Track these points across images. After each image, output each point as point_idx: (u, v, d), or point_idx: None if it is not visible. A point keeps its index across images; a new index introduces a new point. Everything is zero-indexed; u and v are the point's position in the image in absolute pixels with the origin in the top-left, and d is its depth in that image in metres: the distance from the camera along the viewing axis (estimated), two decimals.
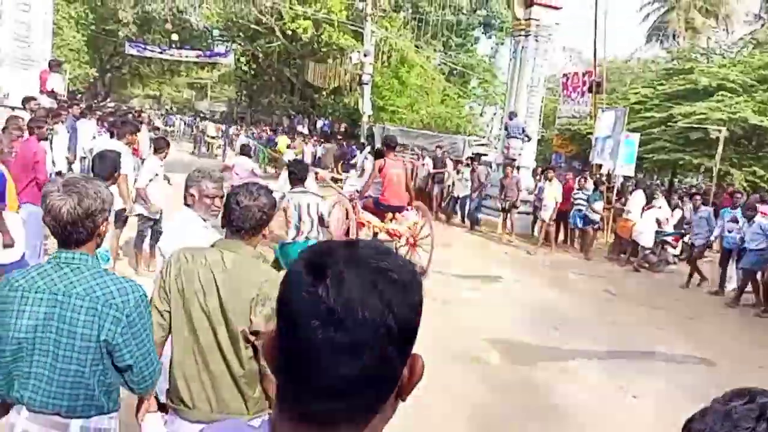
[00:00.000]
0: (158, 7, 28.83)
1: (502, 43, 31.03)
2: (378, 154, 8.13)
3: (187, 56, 31.20)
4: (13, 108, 9.10)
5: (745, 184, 15.10)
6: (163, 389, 2.30)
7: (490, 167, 15.83)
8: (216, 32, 31.79)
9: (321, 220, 5.37)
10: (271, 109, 32.36)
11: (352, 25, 23.59)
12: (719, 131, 14.21)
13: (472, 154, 14.94)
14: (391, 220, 7.86)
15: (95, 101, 25.83)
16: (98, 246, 2.00)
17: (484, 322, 6.62)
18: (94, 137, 10.08)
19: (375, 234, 7.85)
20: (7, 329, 1.89)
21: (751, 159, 15.92)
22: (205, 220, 2.96)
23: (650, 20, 31.84)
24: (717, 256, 10.48)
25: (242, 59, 34.01)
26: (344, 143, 20.91)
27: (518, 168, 13.54)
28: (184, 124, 36.08)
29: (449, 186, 14.59)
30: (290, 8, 23.79)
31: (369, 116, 21.89)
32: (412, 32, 25.28)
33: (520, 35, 14.67)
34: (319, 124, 28.16)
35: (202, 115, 39.60)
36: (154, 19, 31.80)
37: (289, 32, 25.01)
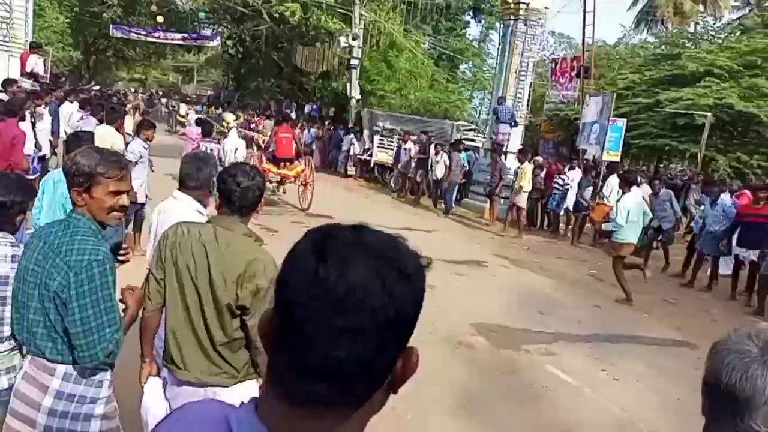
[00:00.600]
0: None
1: (492, 28, 30.88)
2: (276, 123, 12.33)
3: (172, 39, 30.76)
4: None
5: (729, 170, 15.26)
6: (160, 351, 2.47)
7: (478, 152, 15.81)
8: (202, 15, 31.23)
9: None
10: (259, 93, 32.02)
11: (340, 8, 23.32)
12: (705, 117, 14.31)
13: (454, 140, 14.87)
14: (283, 168, 11.12)
15: (79, 84, 25.42)
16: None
17: (470, 307, 6.67)
18: (81, 119, 9.95)
19: (280, 182, 11.31)
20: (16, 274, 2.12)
21: (736, 145, 16.06)
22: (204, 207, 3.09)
23: (639, 5, 31.81)
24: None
25: (229, 42, 33.53)
26: (332, 127, 20.79)
27: (506, 153, 13.55)
28: (166, 108, 35.74)
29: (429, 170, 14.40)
30: None
31: (357, 101, 21.76)
32: (401, 16, 25.03)
33: (509, 19, 14.62)
34: (307, 108, 27.92)
35: (188, 98, 39.19)
36: (139, 1, 31.26)
37: (277, 15, 24.66)
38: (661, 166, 21.57)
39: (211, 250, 2.23)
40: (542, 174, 12.47)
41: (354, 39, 20.94)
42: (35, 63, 11.07)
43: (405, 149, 15.23)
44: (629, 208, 7.56)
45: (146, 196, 6.77)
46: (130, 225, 6.72)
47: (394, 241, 0.72)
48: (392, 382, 0.73)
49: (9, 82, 8.62)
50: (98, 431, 2.06)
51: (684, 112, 15.28)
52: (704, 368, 1.03)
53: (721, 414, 0.97)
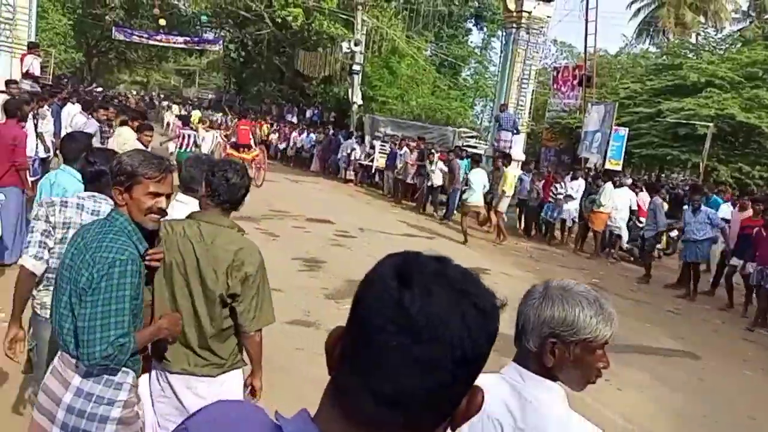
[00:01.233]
0: None
1: (494, 35, 30.98)
2: (238, 119, 17.42)
3: (175, 42, 30.85)
4: None
5: (731, 180, 15.27)
6: None
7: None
8: (204, 18, 31.37)
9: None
10: (260, 98, 32.07)
11: (343, 13, 23.39)
12: (707, 127, 14.33)
13: (454, 146, 14.84)
14: (242, 152, 13.58)
15: (81, 86, 25.47)
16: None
17: None
18: (86, 122, 9.95)
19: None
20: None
21: (738, 155, 16.08)
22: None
23: (641, 16, 31.97)
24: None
25: (231, 46, 33.63)
26: (331, 131, 20.78)
27: (510, 160, 13.50)
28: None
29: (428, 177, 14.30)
30: None
31: (359, 106, 21.78)
32: (404, 22, 25.11)
33: (511, 27, 14.66)
34: (309, 113, 27.96)
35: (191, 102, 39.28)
36: (142, 4, 31.37)
37: (279, 20, 24.74)
38: (663, 175, 21.58)
39: (197, 245, 2.29)
40: (541, 183, 12.46)
41: (356, 45, 20.97)
42: (30, 63, 11.08)
43: (400, 155, 15.20)
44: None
45: None
46: None
47: (475, 276, 0.73)
48: (453, 418, 0.71)
49: (10, 83, 8.62)
50: None
51: (685, 122, 15.31)
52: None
53: (517, 340, 1.46)
